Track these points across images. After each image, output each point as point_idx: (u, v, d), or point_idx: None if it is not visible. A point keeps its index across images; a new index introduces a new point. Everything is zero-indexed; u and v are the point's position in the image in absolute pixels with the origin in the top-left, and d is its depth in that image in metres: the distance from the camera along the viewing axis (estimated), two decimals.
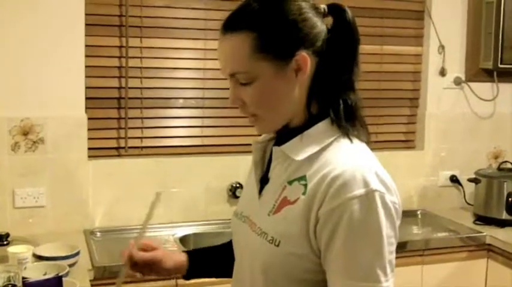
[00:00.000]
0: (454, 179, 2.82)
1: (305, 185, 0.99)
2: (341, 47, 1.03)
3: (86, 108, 2.29)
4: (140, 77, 2.38)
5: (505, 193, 2.54)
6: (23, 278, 1.48)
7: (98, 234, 2.30)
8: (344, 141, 1.01)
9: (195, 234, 2.40)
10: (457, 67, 2.78)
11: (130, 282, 1.84)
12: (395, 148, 2.78)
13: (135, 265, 1.18)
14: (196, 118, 2.47)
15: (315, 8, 1.03)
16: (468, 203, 2.80)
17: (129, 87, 2.36)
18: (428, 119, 2.78)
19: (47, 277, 1.57)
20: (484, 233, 2.45)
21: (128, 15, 2.31)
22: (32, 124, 2.20)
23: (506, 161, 2.80)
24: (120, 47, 2.34)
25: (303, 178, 1.00)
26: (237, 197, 2.44)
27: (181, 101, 2.45)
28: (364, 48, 3.00)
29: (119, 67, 2.35)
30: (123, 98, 2.36)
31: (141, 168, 2.38)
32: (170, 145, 2.46)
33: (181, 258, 1.24)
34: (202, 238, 2.39)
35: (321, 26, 1.02)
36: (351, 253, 0.93)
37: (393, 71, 2.74)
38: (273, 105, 1.02)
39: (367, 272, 0.92)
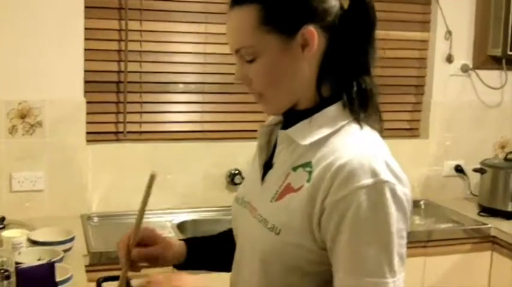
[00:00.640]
0: (459, 169, 2.77)
1: (310, 172, 0.94)
2: (356, 26, 0.96)
3: (85, 92, 2.27)
4: (140, 61, 2.34)
5: (511, 184, 2.49)
6: (16, 263, 1.46)
7: (95, 219, 2.28)
8: (354, 127, 0.96)
9: (193, 220, 2.37)
10: (464, 54, 2.72)
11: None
12: (399, 136, 2.72)
13: (132, 263, 1.12)
14: (196, 103, 2.44)
15: None
16: (473, 194, 2.75)
17: (129, 71, 2.32)
18: (433, 107, 2.72)
19: (39, 262, 1.55)
20: (489, 225, 2.40)
21: None
22: (30, 107, 2.18)
23: None
24: (120, 30, 2.31)
25: (308, 164, 0.95)
26: (236, 184, 2.41)
27: (181, 85, 2.41)
28: None
29: (118, 51, 2.32)
30: (122, 82, 2.33)
31: (140, 153, 2.36)
32: (169, 130, 2.43)
33: (180, 250, 1.19)
34: (200, 224, 2.37)
35: (333, 0, 0.96)
36: (356, 247, 0.88)
37: (398, 57, 2.69)
38: (279, 83, 0.97)
39: (372, 267, 0.87)
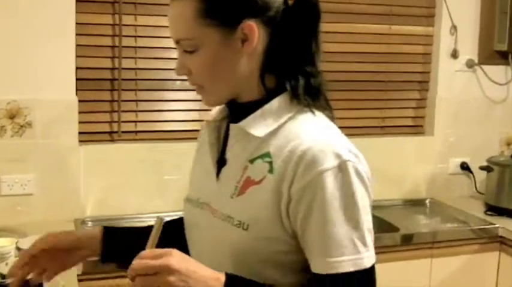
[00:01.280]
0: (464, 167, 2.70)
1: (270, 163, 0.95)
2: (299, 21, 0.98)
3: (77, 90, 2.17)
4: (134, 57, 2.25)
5: None
6: (2, 276, 1.36)
7: (90, 224, 2.19)
8: (307, 115, 0.98)
9: None
10: (469, 49, 2.64)
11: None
12: (403, 133, 2.66)
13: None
14: (194, 101, 2.33)
15: None
16: (479, 192, 2.69)
17: (123, 68, 2.23)
18: (438, 104, 2.65)
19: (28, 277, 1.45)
20: (497, 225, 2.33)
21: None
22: (19, 107, 2.07)
23: None
24: (113, 25, 2.21)
25: (267, 154, 0.96)
26: None
27: (178, 83, 2.31)
28: (371, 27, 2.87)
29: (112, 46, 2.22)
30: (116, 79, 2.23)
31: (135, 154, 2.27)
32: (166, 130, 2.34)
33: (95, 241, 1.12)
34: None
35: None
36: (329, 229, 0.90)
37: (402, 52, 2.61)
38: (218, 76, 0.97)
39: (347, 245, 0.90)
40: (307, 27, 0.99)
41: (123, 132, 2.27)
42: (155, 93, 2.30)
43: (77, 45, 2.14)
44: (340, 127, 1.01)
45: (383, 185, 2.47)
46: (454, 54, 2.62)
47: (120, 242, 1.14)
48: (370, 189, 0.95)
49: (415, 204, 2.63)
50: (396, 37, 2.59)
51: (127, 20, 2.22)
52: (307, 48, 0.99)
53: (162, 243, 0.97)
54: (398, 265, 2.16)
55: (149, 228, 1.14)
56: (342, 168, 0.90)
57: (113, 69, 2.23)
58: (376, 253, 0.95)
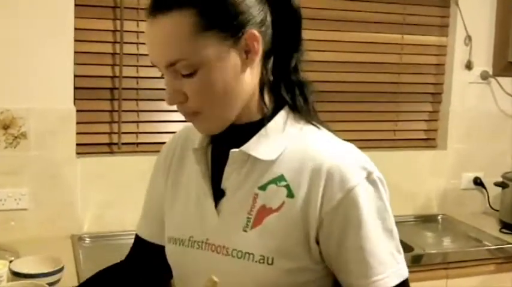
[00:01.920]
0: (477, 182, 2.61)
1: (287, 187, 0.87)
2: (286, 28, 0.91)
3: (75, 99, 2.05)
4: (136, 65, 2.14)
5: None
6: None
7: (87, 240, 2.07)
8: (312, 129, 0.92)
9: None
10: (484, 60, 2.55)
11: None
12: (415, 147, 2.57)
13: None
14: None
15: None
16: (492, 208, 2.59)
17: (124, 77, 2.12)
18: (451, 116, 2.56)
19: None
20: None
21: None
22: (13, 117, 1.96)
23: None
24: (114, 31, 2.10)
25: (281, 178, 0.88)
26: None
27: None
28: (383, 37, 2.75)
29: (113, 54, 2.11)
30: (117, 88, 2.12)
31: (136, 167, 2.14)
32: None
33: None
34: None
35: (263, 5, 0.88)
36: (368, 247, 0.85)
37: (414, 62, 2.52)
38: (222, 97, 0.86)
39: (387, 260, 0.86)
40: (293, 35, 0.92)
41: (123, 144, 2.16)
42: (157, 104, 2.19)
43: (76, 52, 2.03)
44: (350, 140, 0.95)
45: (395, 199, 2.32)
46: (469, 66, 2.53)
47: None
48: None
49: (426, 220, 2.54)
50: (409, 47, 2.49)
51: (128, 26, 2.11)
52: (295, 57, 0.93)
53: None
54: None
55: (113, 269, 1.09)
56: (370, 180, 0.86)
57: (113, 77, 2.12)
58: None
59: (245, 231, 0.88)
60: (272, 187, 0.88)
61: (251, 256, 0.87)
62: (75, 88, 2.06)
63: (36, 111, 1.98)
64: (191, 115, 0.88)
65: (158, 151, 2.21)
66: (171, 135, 2.20)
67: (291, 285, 0.87)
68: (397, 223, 0.91)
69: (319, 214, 0.85)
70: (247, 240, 0.88)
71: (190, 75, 0.84)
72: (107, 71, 2.12)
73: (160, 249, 1.02)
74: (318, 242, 0.87)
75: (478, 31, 2.52)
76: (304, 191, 0.86)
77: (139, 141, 2.19)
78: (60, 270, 1.58)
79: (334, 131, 0.95)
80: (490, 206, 2.61)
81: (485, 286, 2.21)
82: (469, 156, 2.60)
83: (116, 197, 2.12)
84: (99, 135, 2.15)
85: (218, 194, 0.92)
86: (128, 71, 2.13)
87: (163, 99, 2.21)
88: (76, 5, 2.01)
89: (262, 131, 0.89)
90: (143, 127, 2.19)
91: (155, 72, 2.13)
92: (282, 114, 0.91)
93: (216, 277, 0.80)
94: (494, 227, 2.41)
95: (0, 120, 1.95)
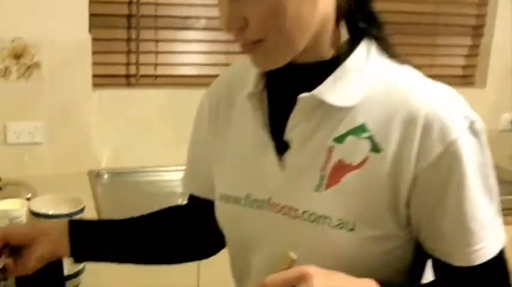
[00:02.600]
0: None
1: (370, 139, 0.73)
2: None
3: (90, 27, 1.91)
4: None
5: None
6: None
7: (105, 176, 2.00)
8: (399, 68, 0.77)
9: None
10: None
11: None
12: (451, 83, 2.33)
13: None
14: (220, 42, 2.08)
15: None
16: None
17: (141, 3, 1.97)
18: (493, 52, 2.39)
19: None
20: None
21: None
22: (26, 45, 1.83)
23: None
24: None
25: (361, 128, 0.74)
26: None
27: (203, 20, 2.06)
28: None
29: None
30: (134, 15, 1.98)
31: (155, 100, 2.05)
32: (189, 74, 2.10)
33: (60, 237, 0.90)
34: None
35: None
36: (471, 210, 0.72)
37: None
38: (294, 21, 0.70)
39: (490, 224, 0.74)
40: None
41: (141, 76, 2.04)
42: (177, 33, 2.06)
43: None
44: None
45: None
46: None
47: (92, 235, 0.93)
48: None
49: None
50: None
51: None
52: None
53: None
54: None
55: (123, 221, 0.96)
56: (472, 130, 0.73)
57: (130, 3, 1.98)
58: None
59: (317, 191, 0.75)
60: (351, 138, 0.74)
61: (327, 219, 0.75)
62: (91, 15, 1.91)
63: (49, 40, 1.85)
64: (250, 45, 0.73)
65: (178, 85, 2.12)
66: (191, 67, 2.10)
67: (374, 255, 0.76)
68: None
69: (414, 171, 0.72)
70: (321, 201, 0.75)
71: None
72: None
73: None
74: (408, 205, 0.74)
75: None
76: (394, 144, 0.72)
77: (158, 73, 2.07)
78: (81, 210, 1.50)
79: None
80: None
81: None
82: (510, 96, 2.44)
83: (134, 132, 2.03)
84: (116, 67, 2.03)
85: (280, 146, 0.79)
86: None
87: (184, 28, 2.09)
88: None
89: (338, 71, 0.75)
90: (162, 58, 2.06)
91: None
92: (361, 50, 0.76)
93: (294, 254, 0.68)
94: None
95: (11, 49, 1.83)
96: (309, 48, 0.74)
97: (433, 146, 0.71)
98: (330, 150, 0.75)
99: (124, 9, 1.98)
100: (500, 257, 0.75)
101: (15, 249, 0.88)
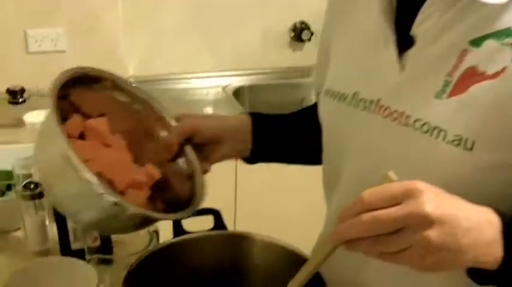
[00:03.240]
0: None
1: None
2: None
3: None
4: None
5: None
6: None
7: (133, 84, 1.90)
8: None
9: (249, 86, 2.01)
10: None
11: None
12: None
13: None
14: None
15: None
16: None
17: None
18: None
19: None
20: None
21: None
22: None
23: None
24: None
25: (507, 32, 0.60)
26: (303, 41, 1.98)
27: None
28: None
29: None
30: None
31: (184, 5, 1.91)
32: None
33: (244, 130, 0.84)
34: (258, 90, 2.01)
35: None
36: None
37: None
38: None
39: None
40: None
41: None
42: None
43: None
44: None
45: None
46: None
47: (273, 132, 0.87)
48: None
49: None
50: None
51: None
52: None
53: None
54: None
55: (301, 113, 0.91)
56: None
57: None
58: None
59: (438, 98, 0.64)
60: (491, 43, 0.62)
61: (442, 132, 0.63)
62: None
63: None
64: None
65: None
66: None
67: (490, 183, 0.64)
68: None
69: None
70: (439, 110, 0.64)
71: None
72: None
73: None
74: None
75: None
76: None
77: None
78: None
79: None
80: None
81: None
82: None
83: (163, 38, 1.92)
84: None
85: (404, 42, 0.68)
86: None
87: None
88: None
89: None
90: None
91: None
92: None
93: (395, 175, 0.56)
94: None
95: None
96: None
97: None
98: (463, 53, 0.63)
99: None
100: None
101: (196, 144, 0.81)
